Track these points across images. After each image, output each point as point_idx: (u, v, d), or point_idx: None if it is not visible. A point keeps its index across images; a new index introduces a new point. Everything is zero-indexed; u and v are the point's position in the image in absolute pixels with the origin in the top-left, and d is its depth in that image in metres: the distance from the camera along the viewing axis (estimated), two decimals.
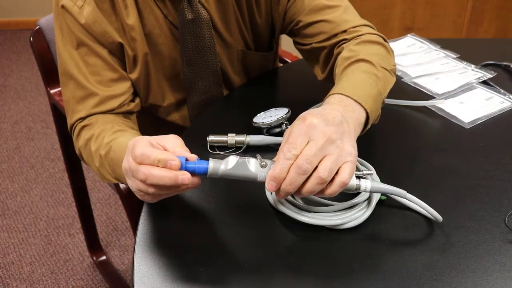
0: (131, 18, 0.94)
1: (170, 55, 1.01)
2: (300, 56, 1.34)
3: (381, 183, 0.73)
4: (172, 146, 0.68)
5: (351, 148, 0.68)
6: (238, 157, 0.68)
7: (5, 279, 1.69)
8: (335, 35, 0.97)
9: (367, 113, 0.78)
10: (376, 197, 0.75)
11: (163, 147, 0.68)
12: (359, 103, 0.77)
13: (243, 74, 1.13)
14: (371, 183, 0.70)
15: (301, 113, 0.97)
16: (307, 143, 0.66)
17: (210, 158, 0.68)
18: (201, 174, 0.67)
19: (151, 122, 1.15)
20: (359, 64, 0.87)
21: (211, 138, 0.91)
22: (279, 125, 0.92)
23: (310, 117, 0.69)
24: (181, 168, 0.65)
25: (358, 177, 0.70)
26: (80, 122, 0.94)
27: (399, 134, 0.95)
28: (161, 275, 0.67)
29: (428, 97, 1.05)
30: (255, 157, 0.69)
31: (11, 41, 3.27)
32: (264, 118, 0.93)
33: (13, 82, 2.84)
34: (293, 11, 1.01)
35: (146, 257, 0.70)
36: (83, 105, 0.94)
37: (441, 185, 0.81)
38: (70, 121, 0.96)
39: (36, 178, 2.13)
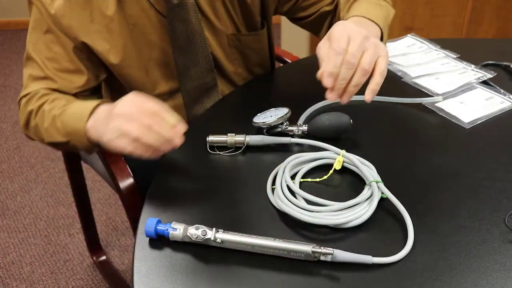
0: (110, 9, 0.95)
1: (160, 44, 1.02)
2: (300, 56, 1.34)
3: (346, 252, 0.68)
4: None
5: (382, 44, 0.81)
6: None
7: (5, 279, 1.69)
8: None
9: (381, 30, 0.91)
10: (377, 196, 0.75)
11: None
12: (372, 20, 0.90)
13: (238, 61, 1.13)
14: (331, 258, 0.67)
15: (301, 113, 0.98)
16: (348, 41, 0.78)
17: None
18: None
19: None
20: None
21: (211, 138, 0.91)
22: (279, 125, 0.92)
23: (342, 22, 0.82)
24: (149, 232, 0.72)
25: (317, 256, 0.67)
26: (31, 93, 0.96)
27: (399, 134, 0.95)
28: (161, 275, 0.67)
29: (428, 97, 1.05)
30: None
31: (11, 41, 3.27)
32: (264, 118, 0.93)
33: (13, 82, 2.84)
34: None
35: (146, 257, 0.70)
36: (38, 83, 0.97)
37: (441, 185, 0.81)
38: (21, 95, 0.98)
39: (36, 178, 2.13)
